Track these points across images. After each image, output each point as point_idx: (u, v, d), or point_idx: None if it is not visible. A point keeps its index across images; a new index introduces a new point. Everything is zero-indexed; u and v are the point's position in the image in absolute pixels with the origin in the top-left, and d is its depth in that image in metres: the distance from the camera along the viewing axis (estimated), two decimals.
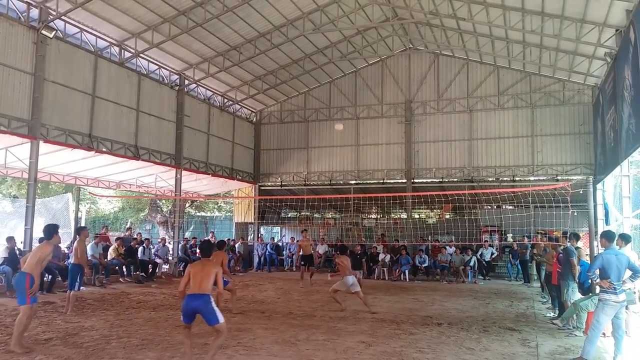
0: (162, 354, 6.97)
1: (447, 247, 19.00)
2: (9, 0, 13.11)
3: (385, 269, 18.80)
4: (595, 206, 14.36)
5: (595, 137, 18.80)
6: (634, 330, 8.74)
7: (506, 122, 20.86)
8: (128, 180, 21.20)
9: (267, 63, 20.57)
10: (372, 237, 22.34)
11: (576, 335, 8.72)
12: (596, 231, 12.52)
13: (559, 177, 19.61)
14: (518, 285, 17.15)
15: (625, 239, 8.00)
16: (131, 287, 14.51)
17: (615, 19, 13.06)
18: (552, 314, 10.99)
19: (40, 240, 8.25)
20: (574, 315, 9.07)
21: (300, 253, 17.18)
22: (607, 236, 7.41)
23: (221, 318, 6.18)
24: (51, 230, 7.93)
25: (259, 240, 23.59)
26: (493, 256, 19.14)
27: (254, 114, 24.76)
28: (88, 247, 13.00)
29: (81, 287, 10.97)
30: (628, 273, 7.15)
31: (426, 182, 21.80)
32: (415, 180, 21.91)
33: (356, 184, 23.20)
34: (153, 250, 17.49)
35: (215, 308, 6.19)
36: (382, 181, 22.67)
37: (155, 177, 19.56)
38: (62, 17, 14.19)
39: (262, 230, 25.61)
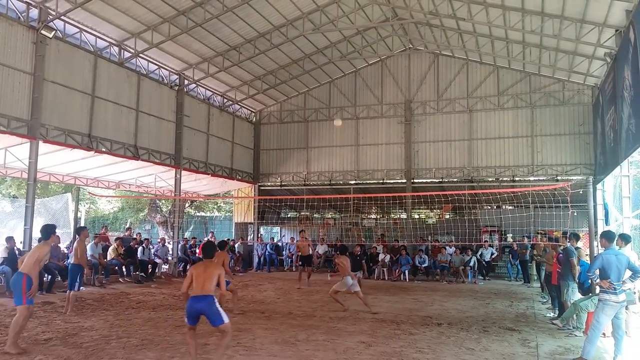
0: (161, 354, 6.97)
1: (447, 247, 19.00)
2: (8, 0, 13.10)
3: (385, 269, 18.80)
4: (595, 206, 14.37)
5: (595, 137, 18.80)
6: (634, 331, 8.73)
7: (506, 122, 20.86)
8: (127, 180, 21.19)
9: (267, 63, 20.56)
10: (371, 237, 22.33)
11: (576, 336, 8.71)
12: (596, 231, 12.55)
13: (558, 177, 19.61)
14: (518, 286, 17.15)
15: (625, 239, 7.99)
16: (131, 287, 14.50)
17: (615, 19, 13.06)
18: (552, 314, 10.99)
19: (39, 240, 8.22)
20: (574, 315, 9.07)
21: (299, 254, 17.15)
22: (607, 236, 7.40)
23: (226, 318, 6.16)
24: (48, 231, 7.88)
25: (259, 240, 23.57)
26: (493, 256, 19.13)
27: (253, 114, 24.75)
28: (87, 247, 12.98)
29: (81, 287, 10.96)
30: (628, 273, 7.14)
31: (426, 182, 21.79)
32: (415, 181, 21.91)
33: (356, 184, 23.20)
34: (152, 251, 17.48)
35: (220, 308, 6.17)
36: (381, 181, 22.67)
37: (154, 177, 19.55)
38: (62, 17, 14.18)
39: (261, 230, 25.61)
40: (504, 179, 20.82)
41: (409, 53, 22.39)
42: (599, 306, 7.07)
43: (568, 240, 10.28)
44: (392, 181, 22.44)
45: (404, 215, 23.21)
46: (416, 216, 25.02)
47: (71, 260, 10.85)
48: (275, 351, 7.25)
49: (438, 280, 18.25)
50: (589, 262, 10.10)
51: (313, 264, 21.46)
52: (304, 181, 23.77)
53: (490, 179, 21.08)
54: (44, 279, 12.88)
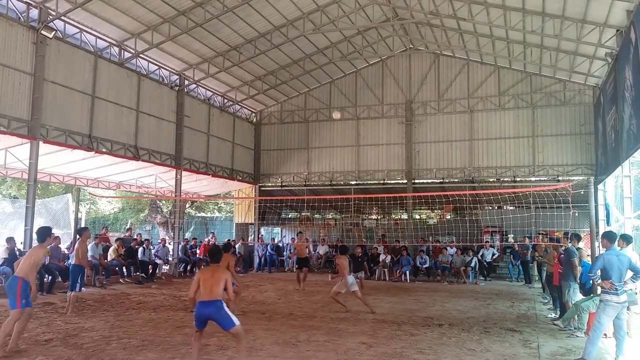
0: (162, 355, 6.95)
1: (448, 248, 18.97)
2: (8, 1, 13.10)
3: (386, 269, 18.77)
4: (596, 207, 14.33)
5: (596, 138, 18.78)
6: (636, 331, 8.70)
7: (507, 123, 20.85)
8: (128, 181, 21.18)
9: (267, 63, 20.55)
10: (372, 238, 22.31)
11: (577, 336, 8.68)
12: (597, 232, 12.51)
13: (560, 178, 19.59)
14: (519, 286, 17.11)
15: (626, 239, 7.98)
16: (131, 288, 14.49)
17: (616, 19, 13.04)
18: (553, 315, 10.96)
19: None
20: (575, 316, 9.04)
21: (295, 256, 17.04)
22: (609, 237, 7.38)
23: (236, 321, 6.11)
24: (44, 233, 7.82)
25: (260, 241, 23.56)
26: (494, 257, 19.10)
27: (254, 114, 24.75)
28: (88, 248, 12.96)
29: (82, 288, 10.94)
30: (629, 274, 7.12)
31: (427, 183, 21.77)
32: (416, 181, 21.89)
33: (357, 184, 23.18)
34: (153, 251, 17.47)
35: (229, 312, 6.13)
36: (382, 182, 22.66)
37: (155, 178, 19.54)
38: (62, 18, 14.18)
39: (262, 230, 25.59)
40: (505, 179, 20.81)
41: (409, 53, 22.38)
42: (600, 307, 7.05)
43: (569, 240, 10.26)
44: (392, 182, 22.43)
45: (404, 216, 23.19)
46: (417, 217, 25.00)
47: (72, 260, 10.84)
48: (276, 352, 7.23)
49: (439, 280, 18.22)
50: (590, 262, 10.07)
51: (312, 265, 21.54)
52: (305, 182, 23.76)
53: (491, 180, 21.06)
54: (45, 279, 12.89)
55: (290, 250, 22.04)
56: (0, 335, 6.87)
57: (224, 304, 6.16)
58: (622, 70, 12.49)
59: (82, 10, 14.22)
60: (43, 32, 13.29)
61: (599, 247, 10.58)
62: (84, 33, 15.31)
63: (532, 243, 17.01)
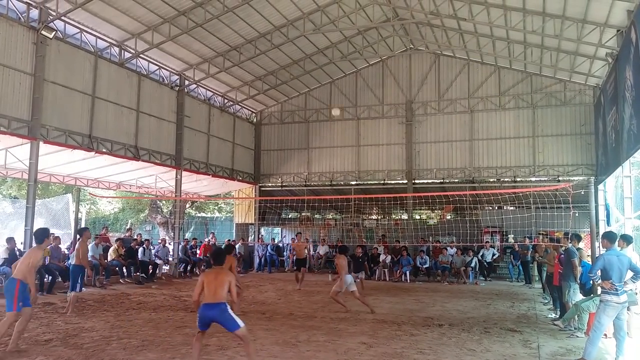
0: (162, 355, 6.95)
1: (448, 248, 18.96)
2: (8, 1, 13.11)
3: (386, 269, 18.76)
4: (596, 207, 14.32)
5: (596, 138, 18.78)
6: (636, 332, 8.70)
7: (507, 123, 20.84)
8: (128, 181, 21.18)
9: (268, 63, 20.56)
10: (372, 238, 22.29)
11: (577, 337, 8.68)
12: (598, 232, 12.50)
13: (560, 178, 19.58)
14: (519, 286, 17.10)
15: (626, 239, 7.97)
16: (131, 288, 14.49)
17: (617, 19, 13.03)
18: (553, 315, 10.96)
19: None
20: (576, 316, 9.04)
21: (294, 257, 16.98)
22: (609, 237, 7.38)
23: (241, 323, 6.09)
24: (42, 235, 7.76)
25: (260, 241, 23.56)
26: (494, 257, 19.09)
27: (254, 114, 24.75)
28: (88, 248, 12.96)
29: (82, 288, 10.93)
30: (630, 274, 7.11)
31: (427, 183, 21.77)
32: (416, 181, 21.88)
33: (357, 184, 23.18)
34: (153, 251, 17.47)
35: (233, 314, 6.11)
36: (382, 182, 22.65)
37: (155, 178, 19.55)
38: (62, 18, 14.19)
39: (262, 231, 25.58)
40: (505, 179, 20.81)
41: (410, 53, 22.38)
42: (600, 307, 7.05)
43: (569, 241, 10.26)
44: (393, 182, 22.42)
45: (405, 216, 23.18)
46: (417, 217, 24.98)
47: (72, 261, 10.84)
48: (276, 352, 7.23)
49: (439, 281, 18.21)
50: (590, 263, 10.06)
51: (313, 265, 21.55)
52: (305, 182, 23.77)
53: (491, 180, 21.06)
54: (45, 279, 12.89)
55: (290, 250, 22.05)
56: None
57: (228, 307, 6.14)
58: (623, 71, 12.48)
59: (83, 11, 14.23)
60: (43, 32, 13.29)
61: (599, 247, 10.57)
62: (84, 33, 15.31)
63: (533, 243, 17.00)
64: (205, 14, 15.91)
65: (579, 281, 9.65)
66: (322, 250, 21.97)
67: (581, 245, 10.62)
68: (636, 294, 8.49)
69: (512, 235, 20.60)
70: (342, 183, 23.45)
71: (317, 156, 23.72)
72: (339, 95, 23.38)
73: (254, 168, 24.39)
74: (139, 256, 16.35)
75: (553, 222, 15.99)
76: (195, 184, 22.12)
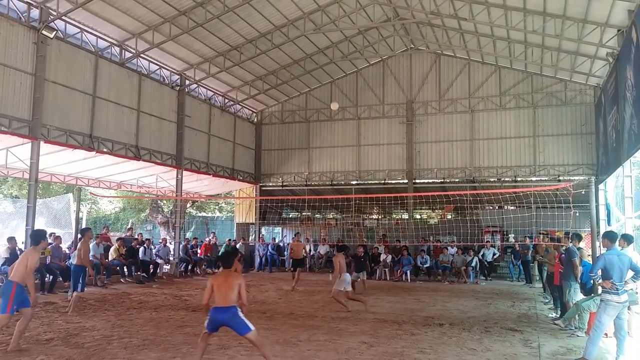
0: (163, 355, 6.96)
1: (449, 248, 18.97)
2: (9, 1, 13.11)
3: (386, 269, 18.78)
4: (597, 206, 14.33)
5: (597, 138, 18.77)
6: (636, 331, 8.70)
7: (508, 123, 20.84)
8: (129, 181, 21.21)
9: (268, 63, 20.56)
10: (373, 238, 22.32)
11: (578, 336, 8.68)
12: (598, 232, 12.52)
13: (560, 178, 19.57)
14: (520, 286, 17.11)
15: (627, 239, 7.97)
16: (132, 288, 14.50)
17: (617, 19, 13.03)
18: (554, 315, 10.96)
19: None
20: (576, 315, 9.04)
21: (292, 257, 16.91)
22: (609, 237, 7.37)
23: (251, 326, 6.06)
24: (38, 236, 7.72)
25: (260, 240, 23.57)
26: (495, 257, 19.10)
27: (255, 114, 24.75)
28: (90, 248, 12.98)
29: (84, 288, 10.92)
30: (630, 273, 7.11)
31: (428, 183, 21.77)
32: (417, 181, 21.88)
33: (357, 184, 23.18)
34: (154, 251, 17.48)
35: (244, 318, 6.08)
36: (383, 181, 22.65)
37: (156, 178, 19.56)
38: (63, 18, 14.19)
39: (263, 230, 25.59)
40: (506, 179, 20.80)
41: (410, 53, 22.37)
42: (601, 306, 7.05)
43: (570, 240, 10.26)
44: (393, 181, 22.41)
45: (405, 216, 23.20)
46: (418, 216, 24.98)
47: (73, 260, 10.85)
48: (276, 351, 7.23)
49: (440, 280, 18.22)
50: (591, 262, 10.07)
51: (313, 264, 21.56)
52: (306, 181, 23.77)
53: (492, 179, 21.05)
54: (46, 279, 12.90)
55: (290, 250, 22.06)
56: None
57: (239, 310, 6.11)
58: (623, 70, 12.48)
59: (83, 10, 14.23)
60: (44, 32, 13.30)
61: (599, 246, 10.59)
62: (85, 33, 15.32)
63: (533, 243, 17.02)
64: (205, 13, 15.92)
65: (579, 281, 9.65)
66: (322, 249, 21.98)
67: (582, 244, 10.63)
68: (637, 293, 8.49)
69: (513, 235, 20.62)
70: (342, 183, 23.45)
71: (317, 156, 23.72)
72: (340, 95, 23.36)
73: (254, 168, 24.39)
74: (140, 256, 16.36)
75: (554, 222, 16.00)
76: (196, 184, 22.13)
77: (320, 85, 23.58)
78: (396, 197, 20.18)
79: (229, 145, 22.49)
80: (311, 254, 21.96)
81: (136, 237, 17.79)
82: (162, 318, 9.82)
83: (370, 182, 23.00)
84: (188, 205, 29.21)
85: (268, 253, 21.67)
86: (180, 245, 18.93)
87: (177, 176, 19.14)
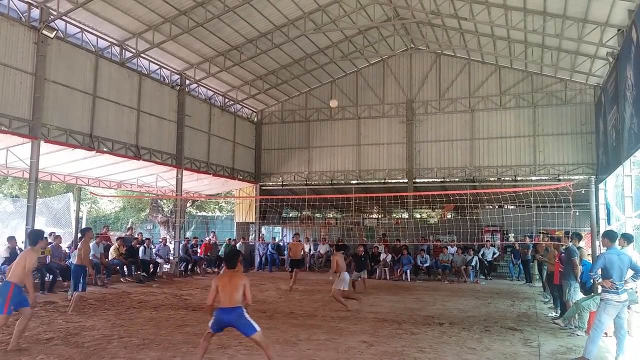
0: (163, 354, 6.96)
1: (449, 247, 18.97)
2: (9, 1, 13.12)
3: (386, 268, 18.78)
4: (597, 206, 14.34)
5: (597, 137, 18.77)
6: (636, 330, 8.70)
7: (508, 122, 20.84)
8: (129, 180, 21.21)
9: (268, 63, 20.56)
10: (373, 237, 22.32)
11: (578, 335, 8.69)
12: (598, 231, 12.51)
13: (560, 177, 19.59)
14: (520, 285, 17.11)
15: (627, 238, 7.97)
16: (132, 287, 14.51)
17: (617, 18, 13.03)
18: (554, 314, 10.96)
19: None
20: (576, 315, 9.05)
21: (290, 257, 16.88)
22: (609, 236, 7.38)
23: (257, 327, 6.06)
24: (36, 237, 7.71)
25: (260, 240, 23.58)
26: (495, 256, 19.10)
27: (255, 113, 24.76)
28: (90, 247, 12.99)
29: (86, 288, 10.91)
30: (630, 273, 7.12)
31: (428, 182, 21.78)
32: (417, 180, 21.89)
33: (357, 183, 23.18)
34: (154, 250, 17.48)
35: (249, 318, 6.07)
36: (383, 181, 22.65)
37: (156, 177, 19.56)
38: (63, 17, 14.21)
39: (263, 230, 25.59)
40: (506, 178, 20.81)
41: (410, 53, 22.38)
42: (601, 306, 7.05)
43: (570, 239, 10.27)
44: (393, 181, 22.42)
45: (405, 215, 23.21)
46: (418, 216, 24.99)
47: (74, 260, 10.85)
48: (276, 351, 7.22)
49: (440, 279, 18.23)
50: (590, 261, 10.08)
51: (313, 264, 21.56)
52: (306, 181, 23.77)
53: (492, 179, 21.07)
54: (46, 278, 12.91)
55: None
56: None
57: (245, 311, 6.09)
58: (624, 70, 12.48)
59: (83, 10, 14.24)
60: (44, 32, 13.31)
61: (599, 246, 10.59)
62: (85, 33, 15.33)
63: (533, 242, 17.04)
64: (206, 13, 15.92)
65: (579, 280, 9.66)
66: (322, 249, 21.99)
67: (582, 244, 10.63)
68: (636, 292, 8.50)
69: (513, 234, 20.62)
70: (342, 182, 23.45)
71: (317, 155, 23.73)
72: (340, 94, 23.35)
73: (254, 167, 24.40)
74: (140, 255, 16.36)
75: (554, 221, 16.04)
76: (196, 183, 22.14)
77: (320, 84, 23.58)
78: (396, 196, 20.20)
79: (229, 144, 22.50)
80: (311, 253, 21.97)
81: (136, 236, 17.80)
82: (162, 317, 9.82)
83: (370, 181, 23.01)
84: (188, 204, 29.23)
85: (268, 252, 21.68)
86: (180, 245, 18.94)
87: (177, 175, 19.15)
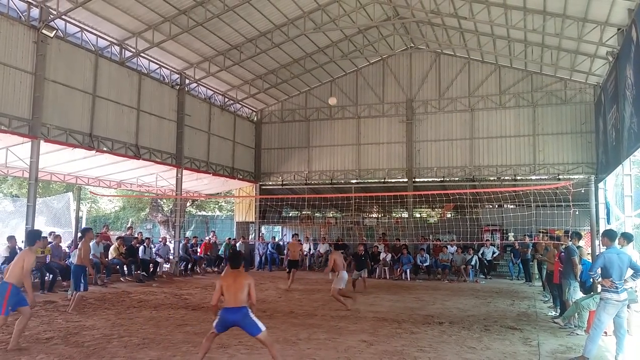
0: (163, 353, 6.96)
1: (449, 246, 18.97)
2: (9, 0, 13.10)
3: (386, 268, 18.78)
4: (597, 205, 14.35)
5: (597, 136, 18.77)
6: (636, 329, 8.71)
7: (508, 121, 20.84)
8: (129, 180, 21.20)
9: (268, 62, 20.55)
10: (373, 236, 22.32)
11: (578, 334, 8.69)
12: (598, 230, 12.51)
13: (560, 176, 19.60)
14: (519, 284, 17.12)
15: (627, 237, 7.98)
16: (132, 287, 14.50)
17: (617, 17, 13.03)
18: (553, 313, 10.97)
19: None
20: (576, 314, 9.05)
21: (288, 257, 16.88)
22: (609, 235, 7.37)
23: (262, 326, 6.07)
24: (34, 237, 7.69)
25: (260, 239, 23.58)
26: (494, 255, 19.11)
27: (254, 113, 24.75)
28: (90, 247, 12.98)
29: (87, 287, 10.89)
30: (630, 272, 7.12)
31: (427, 181, 21.79)
32: (417, 180, 21.90)
33: (357, 183, 23.19)
34: (154, 250, 17.48)
35: (254, 318, 6.07)
36: (383, 180, 22.65)
37: (156, 177, 19.56)
38: (63, 17, 14.20)
39: (263, 229, 25.58)
40: (506, 178, 20.82)
41: (410, 52, 22.37)
42: (600, 305, 7.06)
43: (570, 239, 10.28)
44: (393, 180, 22.43)
45: (405, 214, 23.21)
46: (417, 215, 25.00)
47: (73, 259, 10.83)
48: (276, 350, 7.23)
49: (439, 279, 18.23)
50: (590, 261, 10.08)
51: (313, 263, 21.57)
52: (306, 180, 23.78)
53: (491, 178, 21.07)
54: (46, 278, 12.91)
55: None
56: None
57: (250, 310, 6.09)
58: (623, 69, 12.48)
59: (83, 10, 14.23)
60: (44, 31, 13.30)
61: (599, 245, 10.58)
62: (85, 32, 15.32)
63: (533, 241, 17.04)
64: (205, 12, 15.92)
65: (579, 279, 9.67)
66: (322, 248, 21.98)
67: (581, 243, 10.64)
68: (636, 291, 8.50)
69: (512, 234, 20.61)
70: (342, 181, 23.45)
71: (317, 154, 23.73)
72: (340, 93, 23.35)
73: (254, 166, 24.40)
74: (140, 254, 16.36)
75: (553, 220, 16.03)
76: (196, 183, 22.14)
77: (320, 84, 23.58)
78: (396, 195, 20.21)
79: (228, 144, 22.50)
80: (311, 252, 21.98)
81: (136, 236, 17.80)
82: (162, 317, 9.82)
83: (370, 180, 23.00)
84: (188, 204, 29.24)
85: (268, 252, 21.68)
86: (180, 244, 18.93)
87: (177, 175, 19.15)
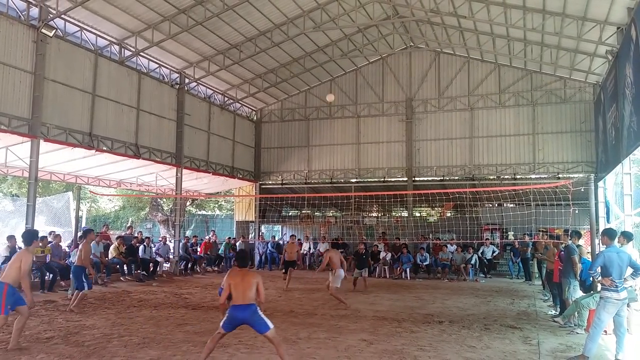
0: (163, 353, 6.97)
1: (449, 245, 18.99)
2: None
3: (386, 267, 18.78)
4: (596, 204, 14.35)
5: (596, 135, 18.78)
6: (636, 328, 8.72)
7: (507, 120, 20.85)
8: (129, 179, 21.21)
9: (268, 61, 20.55)
10: (373, 236, 22.33)
11: (578, 333, 8.70)
12: (597, 229, 12.51)
13: (560, 175, 19.60)
14: (519, 283, 17.14)
15: (627, 236, 7.98)
16: (132, 286, 14.51)
17: (617, 16, 13.04)
18: (553, 312, 10.98)
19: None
20: (576, 313, 9.06)
21: (284, 258, 16.84)
22: (609, 234, 7.38)
23: (270, 324, 6.07)
24: (30, 237, 7.69)
25: (260, 238, 23.58)
26: (494, 254, 19.11)
27: (254, 112, 24.75)
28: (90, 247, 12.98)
29: (92, 285, 10.86)
30: (629, 271, 7.13)
31: (427, 180, 21.79)
32: (416, 179, 21.91)
33: (357, 182, 23.19)
34: (154, 249, 17.49)
35: (263, 316, 6.08)
36: (383, 179, 22.65)
37: (155, 176, 19.56)
38: (62, 16, 14.19)
39: (263, 228, 25.58)
40: (505, 176, 20.83)
41: (410, 51, 22.37)
42: (600, 304, 7.06)
43: (569, 238, 10.28)
44: (393, 179, 22.43)
45: (405, 214, 23.20)
46: (417, 214, 25.00)
47: (73, 259, 10.83)
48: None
49: (439, 278, 18.24)
50: (590, 259, 10.08)
51: (313, 263, 21.57)
52: (305, 179, 23.78)
53: (491, 177, 21.08)
54: (46, 277, 12.91)
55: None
56: None
57: (258, 308, 6.10)
58: (623, 68, 12.49)
59: (83, 9, 14.22)
60: (43, 30, 13.29)
61: (599, 244, 10.59)
62: (85, 31, 15.31)
63: (532, 240, 17.05)
64: (205, 12, 15.91)
65: (579, 278, 9.67)
66: (322, 247, 21.96)
67: (581, 242, 10.65)
68: (636, 290, 8.51)
69: (512, 233, 20.61)
70: (342, 181, 23.46)
71: (317, 154, 23.73)
72: (339, 93, 23.36)
73: (254, 166, 24.40)
74: (140, 254, 16.36)
75: (553, 219, 16.04)
76: (196, 182, 22.14)
77: (319, 83, 23.57)
78: (396, 194, 20.20)
79: (228, 143, 22.50)
80: (311, 252, 21.98)
81: (136, 235, 17.80)
82: (162, 316, 9.83)
83: (369, 180, 23.01)
84: (188, 203, 29.24)
85: (268, 251, 21.68)
86: (180, 244, 18.93)
87: (176, 174, 19.15)
